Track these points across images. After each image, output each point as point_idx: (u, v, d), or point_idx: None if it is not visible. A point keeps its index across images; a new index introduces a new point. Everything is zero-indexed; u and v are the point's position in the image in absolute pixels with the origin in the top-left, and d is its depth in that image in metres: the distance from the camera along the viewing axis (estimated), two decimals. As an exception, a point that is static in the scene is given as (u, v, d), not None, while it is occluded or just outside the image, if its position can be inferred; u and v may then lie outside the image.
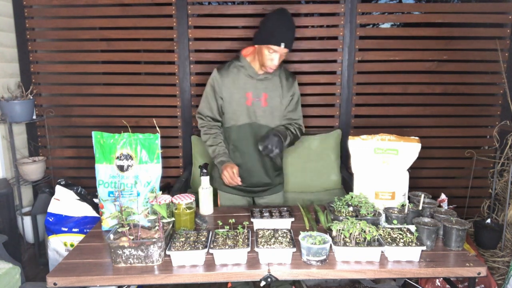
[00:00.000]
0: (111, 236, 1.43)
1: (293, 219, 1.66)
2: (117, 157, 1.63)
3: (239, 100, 2.00)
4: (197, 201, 1.80)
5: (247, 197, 2.19)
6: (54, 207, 2.48)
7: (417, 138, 1.74)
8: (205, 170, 1.89)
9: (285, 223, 1.65)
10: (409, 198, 1.76)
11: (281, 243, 1.44)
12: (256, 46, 1.95)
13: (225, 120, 2.07)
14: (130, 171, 1.63)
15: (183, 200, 1.67)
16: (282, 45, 1.84)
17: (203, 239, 1.49)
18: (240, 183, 1.97)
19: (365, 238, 1.43)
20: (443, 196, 2.52)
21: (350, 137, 1.77)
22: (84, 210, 2.49)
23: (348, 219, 1.49)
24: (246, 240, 1.46)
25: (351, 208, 1.68)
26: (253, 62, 2.00)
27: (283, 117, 2.10)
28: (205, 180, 1.88)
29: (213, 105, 2.05)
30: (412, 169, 1.76)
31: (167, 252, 1.40)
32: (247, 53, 2.03)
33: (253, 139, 2.05)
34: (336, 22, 3.06)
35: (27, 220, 2.92)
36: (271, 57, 1.88)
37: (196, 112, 2.13)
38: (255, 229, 1.58)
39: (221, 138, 2.07)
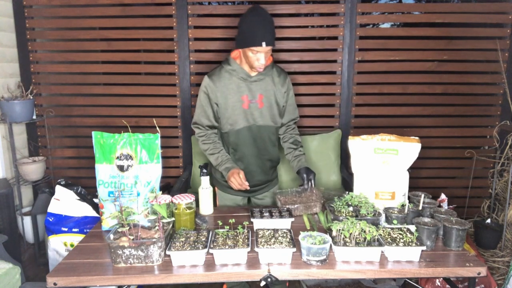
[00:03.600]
0: (111, 236, 1.43)
1: (293, 219, 1.66)
2: (117, 157, 1.63)
3: (235, 104, 1.98)
4: (197, 201, 1.80)
5: (245, 196, 2.21)
6: (54, 207, 2.48)
7: (417, 138, 1.74)
8: (205, 170, 1.89)
9: (285, 223, 1.65)
10: (409, 198, 1.76)
11: (281, 243, 1.44)
12: (239, 49, 1.94)
13: (221, 126, 2.04)
14: (130, 171, 1.63)
15: (183, 200, 1.67)
16: (263, 44, 1.82)
17: (203, 239, 1.49)
18: (248, 188, 1.95)
19: (365, 238, 1.43)
20: (443, 196, 2.51)
21: (350, 137, 1.77)
22: (84, 210, 2.49)
23: (348, 219, 1.49)
24: (246, 240, 1.46)
25: (351, 208, 1.68)
26: (243, 64, 1.98)
27: (281, 116, 2.10)
28: (205, 180, 1.88)
29: (209, 113, 2.02)
30: (412, 169, 1.76)
31: (167, 252, 1.40)
32: (236, 56, 2.00)
33: (252, 141, 2.05)
34: (336, 22, 3.06)
35: (27, 220, 2.92)
36: (257, 57, 1.87)
37: (192, 122, 2.09)
38: (255, 229, 1.59)
39: (220, 145, 2.06)
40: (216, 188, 2.23)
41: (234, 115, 1.99)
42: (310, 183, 1.96)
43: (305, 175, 1.98)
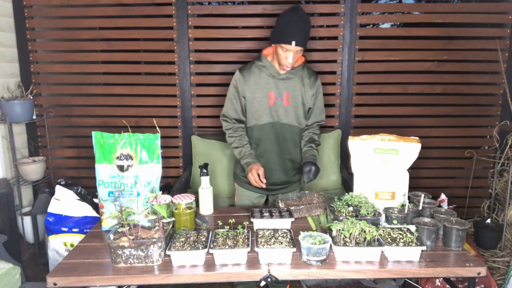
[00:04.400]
0: (111, 236, 1.43)
1: (293, 219, 1.66)
2: (117, 157, 1.63)
3: (261, 99, 2.01)
4: (197, 201, 1.80)
5: (263, 194, 2.21)
6: (54, 207, 2.48)
7: (417, 138, 1.74)
8: (205, 170, 1.89)
9: (285, 223, 1.65)
10: (409, 198, 1.76)
11: (281, 243, 1.44)
12: (272, 45, 1.96)
13: (247, 120, 2.08)
14: (130, 171, 1.63)
15: (183, 200, 1.67)
16: (293, 43, 1.82)
17: (203, 239, 1.49)
18: (264, 186, 1.96)
19: (365, 238, 1.43)
20: (443, 196, 2.51)
21: (350, 137, 1.77)
22: (84, 210, 2.49)
23: (348, 219, 1.49)
24: (246, 240, 1.46)
25: (351, 208, 1.68)
26: (273, 62, 2.00)
27: (306, 117, 2.10)
28: (205, 180, 1.88)
29: (237, 106, 2.06)
30: (412, 169, 1.75)
31: (167, 252, 1.40)
32: (268, 53, 2.03)
33: (274, 138, 2.07)
34: (336, 22, 3.06)
35: (27, 220, 2.92)
36: (286, 56, 1.88)
37: (221, 114, 2.13)
38: (255, 229, 1.58)
39: (246, 139, 2.08)
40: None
41: (260, 110, 2.02)
42: (307, 176, 1.94)
43: (303, 169, 1.98)
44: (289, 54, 1.87)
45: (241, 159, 2.05)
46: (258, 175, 1.95)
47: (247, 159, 2.02)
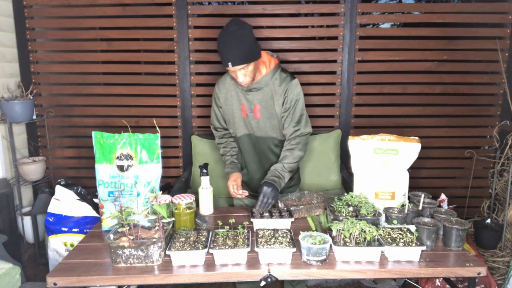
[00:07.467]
0: (111, 236, 1.43)
1: (293, 219, 1.66)
2: (117, 157, 1.63)
3: (235, 111, 1.96)
4: (197, 201, 1.80)
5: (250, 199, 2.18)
6: (54, 207, 2.48)
7: (417, 138, 1.74)
8: (205, 170, 1.89)
9: (285, 223, 1.65)
10: (409, 198, 1.76)
11: (281, 243, 1.44)
12: None
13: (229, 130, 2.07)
14: (130, 171, 1.63)
15: (183, 200, 1.67)
16: (229, 65, 1.72)
17: (203, 239, 1.49)
18: (239, 197, 1.96)
19: (365, 238, 1.43)
20: (443, 196, 2.51)
21: (350, 137, 1.77)
22: (84, 210, 2.49)
23: (348, 219, 1.49)
24: (246, 240, 1.46)
25: (351, 208, 1.68)
26: None
27: (281, 128, 1.95)
28: (205, 180, 1.88)
29: (219, 116, 2.05)
30: (412, 169, 1.76)
31: (167, 252, 1.40)
32: None
33: (253, 149, 2.03)
34: (336, 22, 3.06)
35: (27, 220, 2.92)
36: (234, 75, 1.80)
37: (210, 124, 2.14)
38: (255, 229, 1.58)
39: (230, 145, 2.06)
40: None
41: (236, 123, 1.98)
42: (261, 203, 1.74)
43: (258, 189, 1.79)
44: (236, 74, 1.77)
45: (225, 168, 2.05)
46: (231, 186, 1.93)
47: (227, 169, 2.03)
